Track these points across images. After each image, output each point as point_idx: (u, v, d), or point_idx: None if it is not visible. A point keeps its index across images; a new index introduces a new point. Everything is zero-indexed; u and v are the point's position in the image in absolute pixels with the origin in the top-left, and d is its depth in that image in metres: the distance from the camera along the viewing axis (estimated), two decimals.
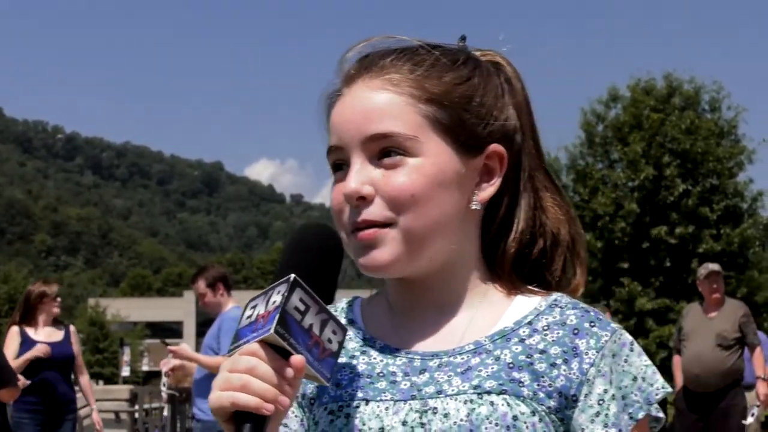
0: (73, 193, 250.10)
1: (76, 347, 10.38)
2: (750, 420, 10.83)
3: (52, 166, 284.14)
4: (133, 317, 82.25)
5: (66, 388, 10.27)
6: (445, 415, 1.61)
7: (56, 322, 10.34)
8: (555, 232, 1.78)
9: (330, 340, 1.56)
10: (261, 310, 1.54)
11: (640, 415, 1.67)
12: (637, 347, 1.72)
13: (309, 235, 1.69)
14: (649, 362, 1.72)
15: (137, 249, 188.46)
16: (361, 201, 1.66)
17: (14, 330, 10.06)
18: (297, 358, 1.51)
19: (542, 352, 1.67)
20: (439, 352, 1.70)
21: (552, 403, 1.63)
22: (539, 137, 1.82)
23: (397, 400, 1.66)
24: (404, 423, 1.63)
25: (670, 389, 1.73)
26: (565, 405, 1.64)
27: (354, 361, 1.73)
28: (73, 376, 10.60)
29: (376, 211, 1.66)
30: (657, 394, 1.70)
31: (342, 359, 1.71)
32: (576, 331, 1.69)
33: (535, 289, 1.77)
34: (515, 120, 1.77)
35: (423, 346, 1.72)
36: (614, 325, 1.72)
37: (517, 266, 1.78)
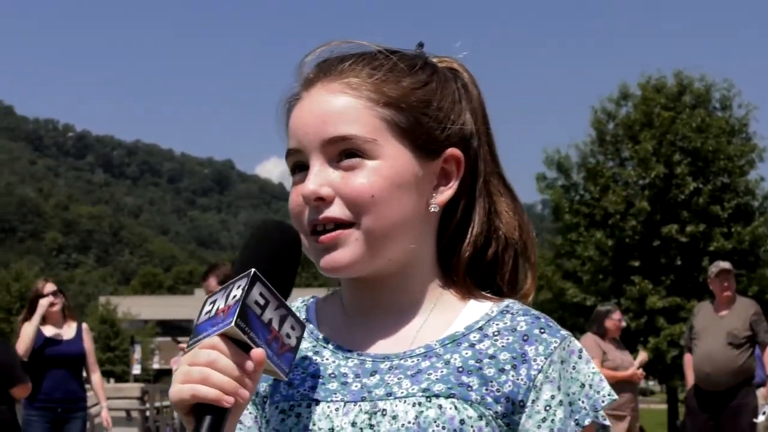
0: (83, 191, 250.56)
1: (88, 345, 10.38)
2: (761, 418, 10.81)
3: (62, 165, 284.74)
4: (144, 315, 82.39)
5: (75, 385, 10.28)
6: (394, 417, 1.63)
7: (69, 320, 10.36)
8: (508, 237, 1.79)
9: (289, 336, 1.58)
10: (221, 304, 1.55)
11: (587, 421, 1.69)
12: (585, 355, 1.73)
13: (270, 229, 1.68)
14: (596, 370, 1.74)
15: (148, 247, 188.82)
16: (320, 202, 1.67)
17: (26, 325, 10.13)
18: (258, 351, 1.52)
19: (492, 357, 1.68)
20: (390, 354, 1.72)
21: (499, 408, 1.65)
22: (494, 143, 1.83)
23: (347, 401, 1.68)
24: (353, 424, 1.65)
25: (616, 397, 1.74)
26: (512, 410, 1.66)
27: (306, 361, 1.75)
28: (85, 374, 10.61)
29: (336, 210, 1.67)
30: (603, 402, 1.71)
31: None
32: (526, 338, 1.70)
33: (488, 294, 1.79)
34: (471, 125, 1.78)
35: (375, 348, 1.74)
36: (564, 332, 1.73)
37: (470, 270, 1.79)
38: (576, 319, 33.98)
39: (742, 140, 34.38)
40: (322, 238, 1.68)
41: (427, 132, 1.72)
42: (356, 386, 1.69)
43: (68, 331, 10.28)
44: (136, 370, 54.84)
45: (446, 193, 1.75)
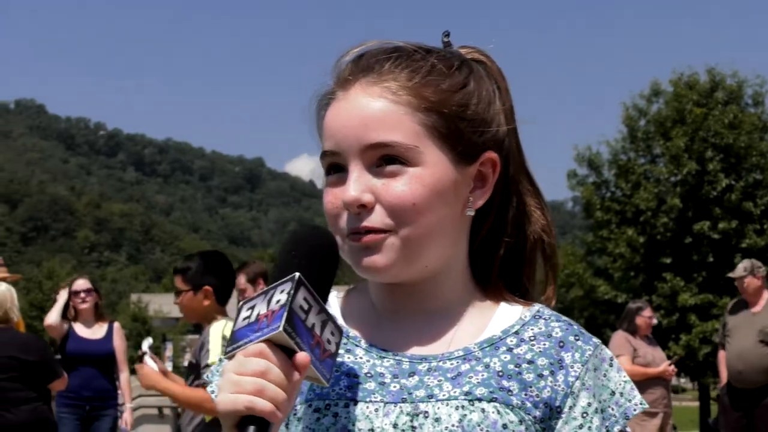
0: (115, 189, 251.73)
1: (118, 343, 10.37)
2: None
3: (94, 163, 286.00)
4: (176, 313, 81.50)
5: (105, 383, 10.31)
6: (437, 420, 1.61)
7: (101, 320, 10.40)
8: (536, 239, 1.79)
9: (329, 341, 1.54)
10: (262, 309, 1.51)
11: (616, 429, 1.70)
12: (616, 363, 1.75)
13: (309, 234, 1.64)
14: (627, 378, 1.75)
15: (179, 245, 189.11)
16: (362, 208, 1.65)
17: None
18: (302, 355, 1.48)
19: (530, 362, 1.68)
20: (428, 356, 1.70)
21: (537, 413, 1.65)
22: (520, 141, 1.81)
23: (387, 402, 1.65)
24: (395, 426, 1.62)
25: (647, 405, 1.76)
26: (549, 416, 1.66)
27: (339, 360, 1.69)
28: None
29: (376, 218, 1.65)
30: (635, 410, 1.72)
31: None
32: (562, 344, 1.71)
33: (517, 297, 1.79)
34: (504, 126, 1.76)
35: (411, 348, 1.72)
36: (595, 339, 1.74)
37: (499, 271, 1.79)
38: (607, 316, 33.95)
39: None
40: (364, 239, 1.65)
41: (466, 138, 1.69)
42: (395, 387, 1.66)
43: (99, 330, 10.31)
44: (168, 367, 55.03)
45: (483, 196, 1.73)
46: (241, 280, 9.28)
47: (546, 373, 1.67)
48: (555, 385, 1.67)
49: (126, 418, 10.80)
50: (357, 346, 1.74)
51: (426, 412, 1.62)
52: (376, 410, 1.64)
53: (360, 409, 1.65)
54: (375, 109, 1.66)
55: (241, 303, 1.56)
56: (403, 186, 1.64)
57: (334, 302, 1.83)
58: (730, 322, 10.98)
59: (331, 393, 1.67)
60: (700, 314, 32.15)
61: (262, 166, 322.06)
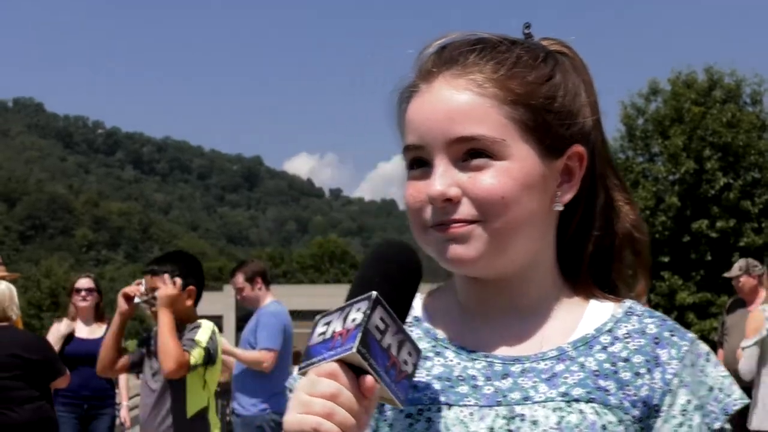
0: (114, 188, 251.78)
1: None
2: None
3: (93, 161, 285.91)
4: None
5: (103, 382, 10.28)
6: (534, 423, 1.58)
7: (101, 319, 10.37)
8: (625, 234, 1.76)
9: (406, 362, 1.49)
10: (337, 327, 1.47)
11: (717, 425, 1.65)
12: (713, 358, 1.69)
13: (392, 250, 1.59)
14: (726, 373, 1.69)
15: (178, 243, 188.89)
16: (447, 203, 1.61)
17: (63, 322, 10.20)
18: (369, 380, 1.44)
19: (625, 360, 1.64)
20: (520, 356, 1.66)
21: (636, 413, 1.60)
22: (605, 134, 1.78)
23: (481, 406, 1.61)
24: (491, 430, 1.59)
25: (748, 400, 1.70)
26: (647, 414, 1.61)
27: (429, 363, 1.67)
28: None
29: (464, 210, 1.60)
30: (735, 405, 1.67)
31: None
32: (657, 341, 1.66)
33: (606, 294, 1.75)
34: (591, 118, 1.72)
35: (501, 349, 1.68)
36: (690, 334, 1.69)
37: (588, 268, 1.76)
38: None
39: None
40: (450, 229, 1.61)
41: (553, 131, 1.65)
42: (489, 390, 1.63)
43: (97, 329, 10.26)
44: None
45: (570, 191, 1.69)
46: (239, 279, 9.26)
47: (643, 371, 1.63)
48: (652, 383, 1.62)
49: (123, 415, 10.84)
50: (446, 348, 1.70)
51: (522, 414, 1.59)
52: (471, 414, 1.61)
53: (454, 413, 1.61)
54: (460, 101, 1.62)
55: (318, 317, 1.52)
56: (491, 179, 1.60)
57: (417, 304, 1.78)
58: (728, 321, 10.98)
59: (423, 398, 1.63)
60: (699, 313, 32.19)
61: (261, 164, 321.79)
